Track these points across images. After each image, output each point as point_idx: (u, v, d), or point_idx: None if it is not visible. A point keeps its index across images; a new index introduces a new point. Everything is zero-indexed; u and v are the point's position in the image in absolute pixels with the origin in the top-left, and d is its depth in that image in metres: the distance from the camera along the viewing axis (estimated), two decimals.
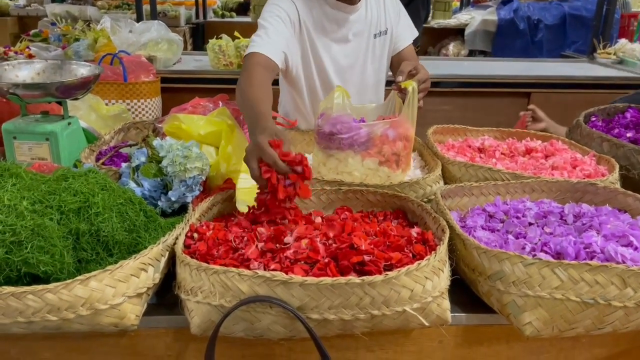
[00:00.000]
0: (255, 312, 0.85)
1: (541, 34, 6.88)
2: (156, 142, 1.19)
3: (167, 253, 0.97)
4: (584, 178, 1.39)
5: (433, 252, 0.90)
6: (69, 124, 1.41)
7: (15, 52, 3.83)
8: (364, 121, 1.45)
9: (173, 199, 1.15)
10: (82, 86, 1.39)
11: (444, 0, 7.15)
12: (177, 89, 3.34)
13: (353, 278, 0.82)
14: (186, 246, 1.00)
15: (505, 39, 6.76)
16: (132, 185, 1.15)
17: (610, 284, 0.85)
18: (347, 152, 1.34)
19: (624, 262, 0.92)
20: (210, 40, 3.48)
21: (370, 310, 0.84)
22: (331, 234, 0.96)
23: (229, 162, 1.26)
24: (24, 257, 0.83)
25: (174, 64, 3.61)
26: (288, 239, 0.95)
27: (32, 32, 4.42)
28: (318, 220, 1.07)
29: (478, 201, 1.30)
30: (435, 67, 4.00)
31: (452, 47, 6.97)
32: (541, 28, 6.89)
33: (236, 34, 3.47)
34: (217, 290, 0.85)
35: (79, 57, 3.54)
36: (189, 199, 1.17)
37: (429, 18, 7.25)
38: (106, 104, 3.02)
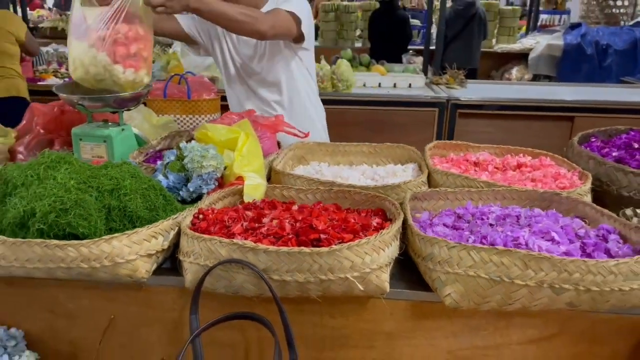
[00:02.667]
0: (232, 272, 1.11)
1: (610, 59, 6.74)
2: (182, 144, 1.49)
3: (177, 227, 1.25)
4: (559, 189, 1.54)
5: (376, 234, 1.12)
6: (123, 130, 1.75)
7: None
8: None
9: (191, 189, 1.44)
10: (134, 99, 1.73)
11: (509, 25, 7.19)
12: None
13: (304, 248, 1.06)
14: (192, 224, 1.27)
15: (571, 64, 6.69)
16: (160, 177, 1.45)
17: (513, 265, 1.03)
18: (73, 32, 1.61)
19: (539, 251, 1.09)
20: None
21: (318, 275, 1.07)
22: (300, 217, 1.20)
23: (242, 163, 1.53)
24: (68, 221, 1.13)
25: None
26: (265, 219, 1.20)
27: None
28: (295, 207, 1.31)
29: (452, 205, 1.49)
30: (482, 90, 4.14)
31: (515, 72, 7.00)
32: (610, 53, 6.76)
33: None
34: (203, 254, 1.11)
35: (153, 77, 4.00)
36: (205, 191, 1.45)
37: (493, 42, 7.31)
38: (172, 118, 3.43)
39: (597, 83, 5.39)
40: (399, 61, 6.16)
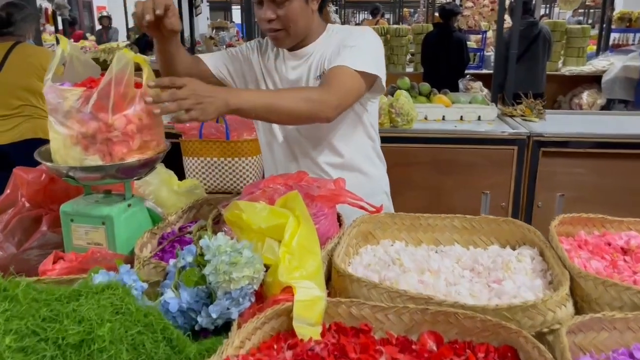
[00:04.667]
0: None
1: None
2: (203, 241, 1.00)
3: None
4: None
5: None
6: (129, 205, 1.29)
7: None
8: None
9: (214, 315, 0.94)
10: (145, 166, 1.27)
11: (577, 45, 6.54)
12: None
13: None
14: None
15: None
16: (169, 295, 0.96)
17: None
18: (52, 119, 1.22)
19: None
20: None
21: None
22: None
23: (290, 266, 1.03)
24: None
25: None
26: None
27: None
28: None
29: (623, 339, 0.94)
30: (565, 123, 3.55)
31: (586, 96, 6.32)
32: None
33: None
34: None
35: None
36: (235, 315, 0.95)
37: (560, 64, 6.68)
38: (208, 161, 3.04)
39: None
40: (456, 87, 5.63)
